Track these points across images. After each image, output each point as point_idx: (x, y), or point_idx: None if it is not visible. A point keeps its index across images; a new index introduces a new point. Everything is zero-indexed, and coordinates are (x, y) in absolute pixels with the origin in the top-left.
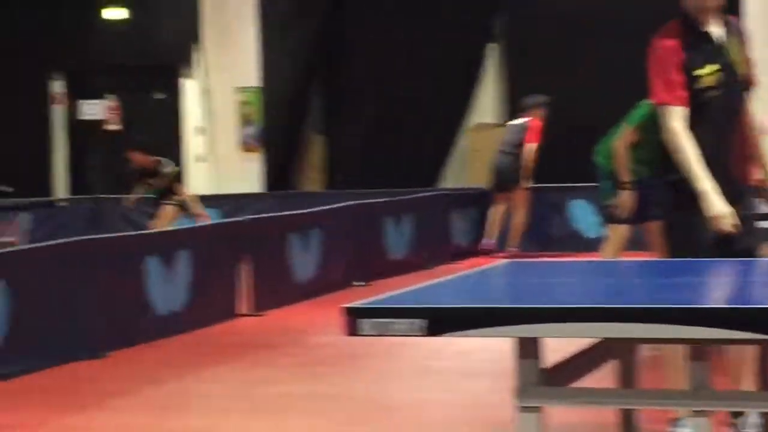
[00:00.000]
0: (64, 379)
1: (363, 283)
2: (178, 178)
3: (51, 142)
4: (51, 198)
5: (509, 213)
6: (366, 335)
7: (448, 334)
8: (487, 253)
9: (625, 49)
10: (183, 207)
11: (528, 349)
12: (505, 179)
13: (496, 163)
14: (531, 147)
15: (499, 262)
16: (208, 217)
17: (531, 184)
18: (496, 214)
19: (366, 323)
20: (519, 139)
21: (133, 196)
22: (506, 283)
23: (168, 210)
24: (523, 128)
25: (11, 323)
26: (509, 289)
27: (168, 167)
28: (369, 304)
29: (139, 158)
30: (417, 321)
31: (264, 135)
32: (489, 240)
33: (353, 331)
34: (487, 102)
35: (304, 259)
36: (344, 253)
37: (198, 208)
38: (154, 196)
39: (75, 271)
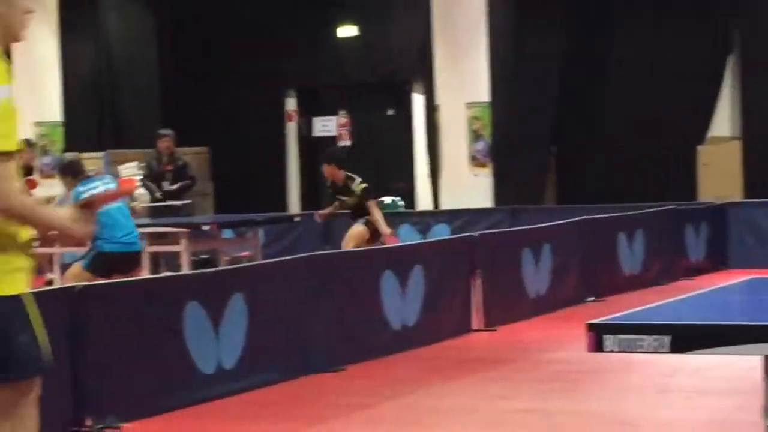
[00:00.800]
0: (302, 392)
1: (595, 299)
2: (367, 195)
3: (286, 158)
4: (286, 213)
5: None
6: (610, 352)
7: (693, 351)
8: None
9: None
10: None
11: None
12: None
13: None
14: None
15: (741, 279)
16: (394, 239)
17: None
18: None
19: (611, 340)
20: None
21: (324, 212)
22: (750, 300)
23: (354, 230)
24: None
25: (249, 336)
26: (755, 306)
27: (354, 183)
28: (613, 320)
29: (330, 171)
30: (663, 338)
31: (494, 150)
32: None
33: (597, 347)
34: (722, 114)
35: (535, 274)
36: (576, 268)
37: (384, 228)
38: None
39: (311, 286)
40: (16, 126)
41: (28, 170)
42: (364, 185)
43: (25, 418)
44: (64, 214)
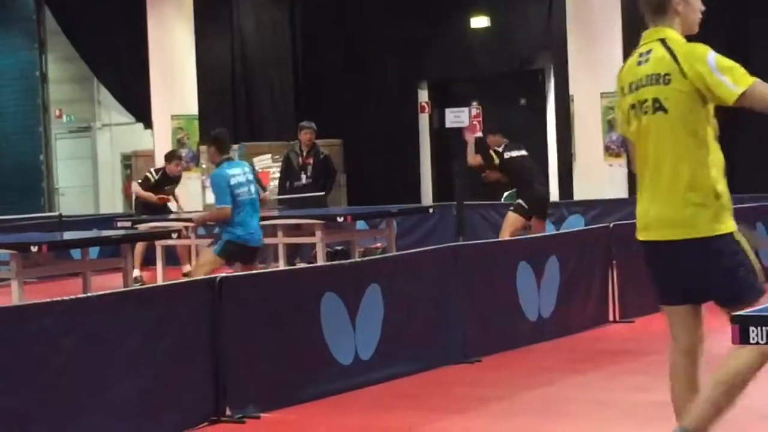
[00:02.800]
0: (438, 383)
1: None
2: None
3: (418, 150)
4: (419, 204)
5: None
6: (756, 343)
7: None
8: None
9: None
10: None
11: None
12: None
13: None
14: None
15: None
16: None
17: None
18: None
19: (757, 331)
20: None
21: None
22: None
23: (510, 217)
24: None
25: (385, 328)
26: None
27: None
28: (760, 311)
29: (476, 161)
30: None
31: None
32: None
33: (742, 339)
34: None
35: None
36: None
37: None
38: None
39: (446, 277)
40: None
41: (171, 180)
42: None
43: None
44: None
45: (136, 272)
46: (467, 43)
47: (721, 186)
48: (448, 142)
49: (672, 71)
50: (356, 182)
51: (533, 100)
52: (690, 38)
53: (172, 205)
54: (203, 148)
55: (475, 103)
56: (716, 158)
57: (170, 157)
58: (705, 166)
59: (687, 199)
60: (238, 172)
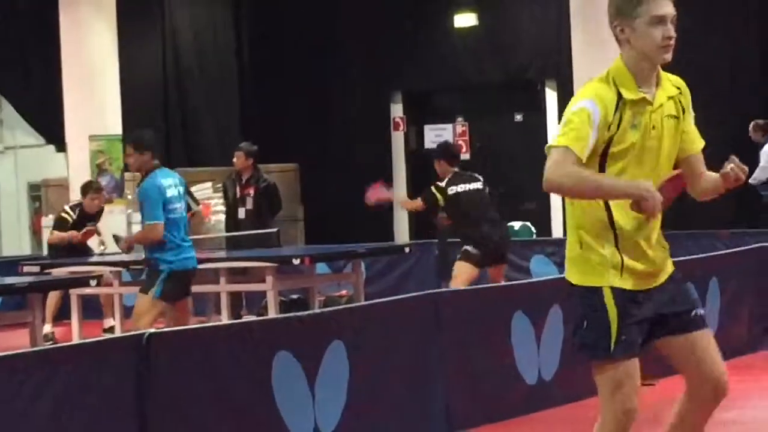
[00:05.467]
0: None
1: None
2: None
3: (391, 176)
4: (393, 243)
5: None
6: None
7: None
8: None
9: None
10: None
11: None
12: None
13: None
14: None
15: None
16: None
17: None
18: None
19: None
20: None
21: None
22: None
23: (459, 267)
24: None
25: (351, 393)
26: None
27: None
28: None
29: (415, 205)
30: None
31: None
32: None
33: None
34: None
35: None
36: (750, 303)
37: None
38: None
39: (426, 331)
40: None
41: (90, 216)
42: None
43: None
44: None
45: (47, 328)
46: (450, 46)
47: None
48: (428, 165)
49: None
50: (315, 216)
51: (530, 114)
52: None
53: (93, 243)
54: (128, 174)
55: (460, 119)
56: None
57: (86, 189)
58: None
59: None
60: (170, 183)
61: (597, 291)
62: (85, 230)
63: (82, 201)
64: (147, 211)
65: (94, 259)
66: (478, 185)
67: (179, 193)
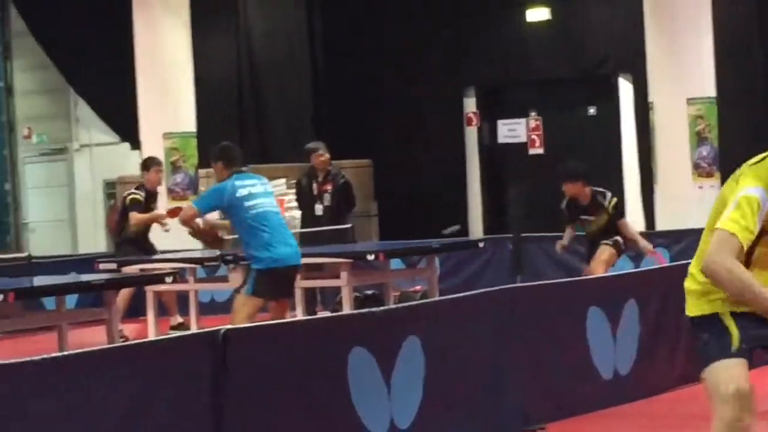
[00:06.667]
0: None
1: None
2: (618, 212)
3: (465, 171)
4: (467, 238)
5: None
6: None
7: None
8: None
9: None
10: (622, 247)
11: None
12: None
13: None
14: None
15: None
16: (661, 257)
17: None
18: None
19: None
20: None
21: (565, 241)
22: None
23: (605, 251)
24: None
25: (427, 389)
26: None
27: (606, 199)
28: None
29: (575, 190)
30: None
31: (722, 156)
32: None
33: None
34: None
35: None
36: None
37: (648, 247)
38: (587, 234)
39: (501, 327)
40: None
41: (152, 196)
42: (615, 200)
43: None
44: None
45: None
46: (523, 41)
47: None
48: (501, 160)
49: None
50: (389, 212)
51: (604, 108)
52: None
53: (155, 227)
54: (202, 171)
55: (533, 114)
56: None
57: (148, 163)
58: None
59: None
60: (251, 183)
61: (716, 316)
62: (172, 208)
63: (142, 181)
64: (198, 197)
65: (170, 256)
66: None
67: (266, 190)
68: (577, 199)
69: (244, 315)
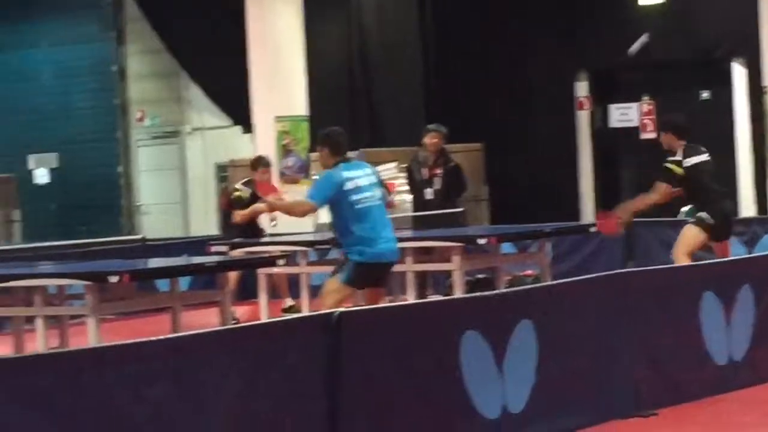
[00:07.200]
0: None
1: None
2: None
3: (576, 155)
4: (578, 222)
5: None
6: None
7: None
8: None
9: None
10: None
11: None
12: None
13: None
14: None
15: None
16: None
17: None
18: None
19: None
20: None
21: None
22: None
23: (690, 231)
24: None
25: (539, 373)
26: None
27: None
28: None
29: (663, 139)
30: None
31: None
32: None
33: None
34: None
35: None
36: None
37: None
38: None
39: (612, 312)
40: None
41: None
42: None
43: None
44: None
45: None
46: (636, 25)
47: None
48: (613, 144)
49: None
50: (501, 196)
51: (718, 93)
52: None
53: (263, 219)
54: (314, 155)
55: (646, 98)
56: None
57: (256, 164)
58: None
59: None
60: (358, 174)
61: None
62: (264, 184)
63: (253, 177)
64: (311, 189)
65: (272, 239)
66: (708, 157)
67: (371, 182)
68: (670, 152)
69: (335, 300)
